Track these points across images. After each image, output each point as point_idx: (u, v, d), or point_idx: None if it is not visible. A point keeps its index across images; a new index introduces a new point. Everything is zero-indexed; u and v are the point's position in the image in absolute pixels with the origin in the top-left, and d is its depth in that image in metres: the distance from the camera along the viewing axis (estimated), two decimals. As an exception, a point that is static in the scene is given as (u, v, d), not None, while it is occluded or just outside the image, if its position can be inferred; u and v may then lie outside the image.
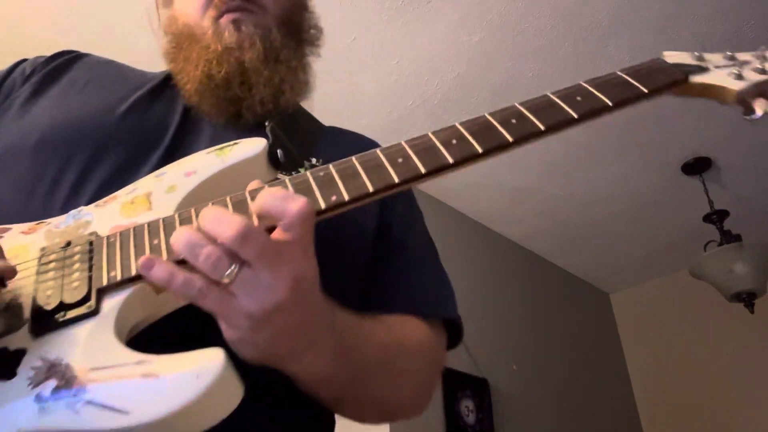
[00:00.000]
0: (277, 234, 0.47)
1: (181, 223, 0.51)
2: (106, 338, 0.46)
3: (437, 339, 0.71)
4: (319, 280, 0.50)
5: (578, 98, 0.56)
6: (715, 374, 3.34)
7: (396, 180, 0.52)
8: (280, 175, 0.61)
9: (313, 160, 0.67)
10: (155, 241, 0.50)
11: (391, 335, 0.64)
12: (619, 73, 0.58)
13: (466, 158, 0.53)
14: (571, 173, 2.84)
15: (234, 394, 0.44)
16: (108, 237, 0.52)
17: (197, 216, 0.50)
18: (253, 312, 0.46)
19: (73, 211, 0.57)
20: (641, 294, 3.79)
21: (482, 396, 2.56)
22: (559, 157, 2.71)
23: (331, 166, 0.54)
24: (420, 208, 0.84)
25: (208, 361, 0.43)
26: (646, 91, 0.56)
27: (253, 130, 0.68)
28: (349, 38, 2.09)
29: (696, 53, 0.60)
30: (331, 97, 2.24)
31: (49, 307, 0.48)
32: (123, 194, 0.59)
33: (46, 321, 0.47)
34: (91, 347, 0.46)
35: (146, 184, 0.59)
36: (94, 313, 0.47)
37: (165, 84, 0.76)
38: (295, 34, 0.78)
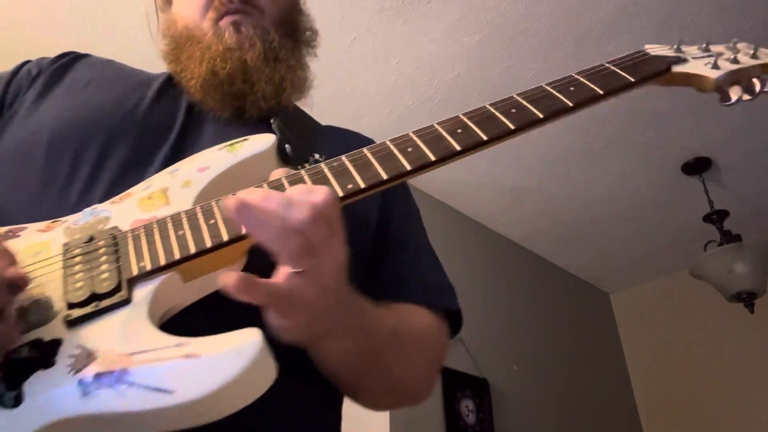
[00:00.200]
0: None
1: (203, 216, 0.53)
2: (142, 325, 0.48)
3: (441, 328, 0.74)
4: None
5: (572, 88, 0.59)
6: (715, 374, 3.34)
7: (408, 167, 0.54)
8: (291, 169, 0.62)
9: (316, 156, 0.68)
10: (180, 233, 0.52)
11: (400, 320, 0.67)
12: (607, 64, 0.62)
13: (472, 145, 0.55)
14: (571, 173, 2.84)
15: (270, 372, 0.45)
16: (132, 230, 0.54)
17: (219, 208, 0.53)
18: (310, 296, 0.50)
19: (88, 209, 0.59)
20: (641, 294, 3.79)
21: (482, 396, 2.56)
22: (559, 157, 2.71)
23: (343, 157, 0.56)
24: (417, 206, 0.87)
25: (247, 340, 0.44)
26: (633, 80, 0.60)
27: (257, 126, 0.71)
28: (349, 38, 2.09)
29: (675, 45, 0.64)
30: (331, 97, 2.25)
31: (81, 299, 0.49)
32: (138, 190, 0.60)
33: (80, 311, 0.48)
34: (128, 334, 0.47)
35: (161, 180, 0.61)
36: (126, 302, 0.49)
37: (168, 83, 0.78)
38: (292, 35, 0.80)
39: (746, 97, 0.60)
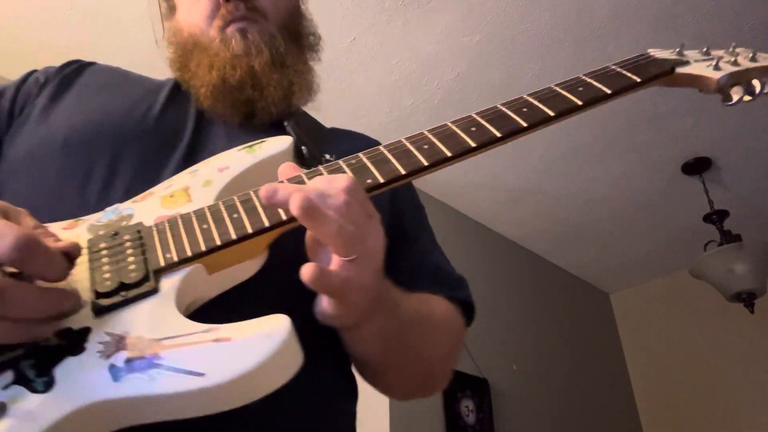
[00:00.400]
0: None
1: (226, 210, 0.54)
2: (170, 313, 0.48)
3: (458, 316, 0.76)
4: None
5: (580, 88, 0.61)
6: (715, 374, 3.34)
7: (425, 163, 0.56)
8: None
9: (327, 156, 0.70)
10: (204, 226, 0.54)
11: (422, 304, 0.69)
12: (612, 66, 0.64)
13: (486, 142, 0.57)
14: (572, 173, 2.84)
15: (297, 357, 0.46)
16: (156, 225, 0.55)
17: (240, 203, 0.55)
18: (367, 281, 0.52)
19: (110, 208, 0.60)
20: (641, 294, 3.79)
21: (482, 396, 2.56)
22: (559, 157, 2.71)
23: (360, 154, 0.58)
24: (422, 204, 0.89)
25: (276, 324, 0.45)
26: (639, 80, 0.62)
27: (267, 130, 0.72)
28: (349, 38, 2.09)
29: (677, 49, 0.67)
30: (331, 97, 2.25)
31: (109, 289, 0.49)
32: (160, 189, 0.62)
33: (108, 300, 0.49)
34: (157, 321, 0.48)
35: (182, 179, 0.63)
36: (154, 291, 0.50)
37: (176, 90, 0.80)
38: (296, 40, 0.82)
39: (747, 98, 0.62)
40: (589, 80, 0.62)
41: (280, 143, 0.65)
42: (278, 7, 0.80)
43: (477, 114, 0.60)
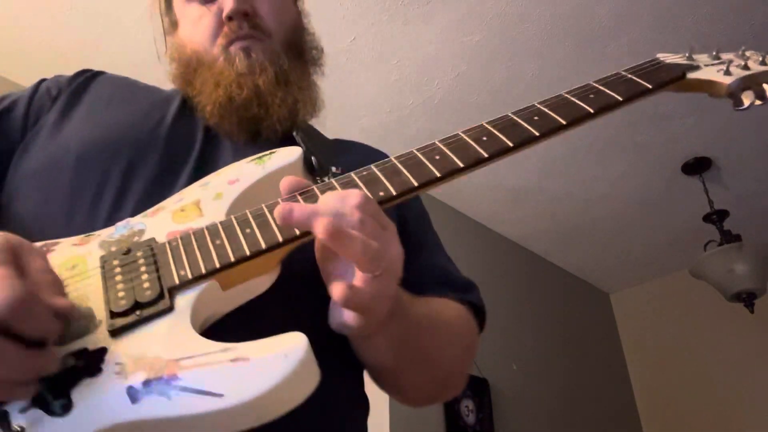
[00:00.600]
0: None
1: (239, 225, 0.54)
2: (186, 331, 0.48)
3: (471, 319, 0.76)
4: None
5: (591, 96, 0.61)
6: (715, 374, 3.34)
7: (438, 174, 0.56)
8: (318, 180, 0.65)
9: (333, 169, 0.70)
10: (217, 242, 0.53)
11: (432, 307, 0.69)
12: (623, 72, 0.64)
13: (499, 152, 0.57)
14: (571, 173, 2.84)
15: (315, 375, 0.46)
16: (169, 241, 0.55)
17: (253, 217, 0.55)
18: (392, 293, 0.53)
19: (121, 223, 0.60)
20: (641, 294, 3.79)
21: (482, 396, 2.57)
22: (559, 157, 2.71)
23: (372, 166, 0.58)
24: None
25: (293, 343, 0.45)
26: (650, 87, 0.62)
27: (276, 143, 0.72)
28: (349, 38, 2.09)
29: (686, 54, 0.67)
30: (331, 97, 2.24)
31: (124, 308, 0.49)
32: (170, 203, 0.61)
33: (123, 320, 0.49)
34: (173, 341, 0.47)
35: (193, 193, 0.62)
36: (169, 309, 0.49)
37: (184, 104, 0.80)
38: (299, 56, 0.82)
39: (758, 102, 0.62)
40: (600, 87, 0.62)
41: (290, 154, 0.65)
42: (281, 25, 0.80)
43: (488, 123, 0.60)
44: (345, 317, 0.55)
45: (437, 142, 0.59)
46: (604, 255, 3.51)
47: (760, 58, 0.64)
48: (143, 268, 0.52)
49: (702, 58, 0.66)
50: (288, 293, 0.57)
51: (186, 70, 0.79)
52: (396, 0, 1.98)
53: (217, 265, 0.52)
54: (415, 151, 0.58)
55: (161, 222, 0.59)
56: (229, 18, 0.75)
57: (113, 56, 2.02)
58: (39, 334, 0.43)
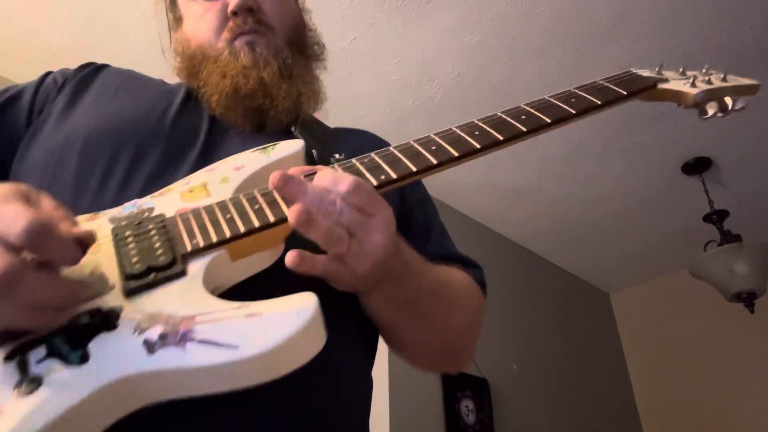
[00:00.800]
0: None
1: (248, 202, 0.58)
2: (200, 292, 0.50)
3: (478, 290, 0.79)
4: None
5: (572, 99, 0.68)
6: (715, 374, 3.34)
7: (434, 161, 0.60)
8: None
9: (336, 156, 0.72)
10: (228, 216, 0.56)
11: (440, 273, 0.71)
12: (599, 81, 0.72)
13: (490, 145, 0.62)
14: (571, 173, 2.84)
15: (322, 334, 0.47)
16: (180, 214, 0.58)
17: (261, 195, 0.58)
18: (361, 270, 0.55)
19: (129, 203, 0.62)
20: (641, 294, 3.80)
21: (482, 396, 2.57)
22: (558, 157, 2.71)
23: (373, 154, 0.62)
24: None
25: (305, 301, 0.47)
26: (625, 93, 0.69)
27: (277, 136, 0.74)
28: (349, 38, 2.09)
29: (656, 69, 0.75)
30: (331, 96, 2.24)
31: (138, 271, 0.51)
32: (179, 186, 0.64)
33: (137, 282, 0.50)
34: (188, 300, 0.49)
35: (199, 176, 0.66)
36: (182, 273, 0.51)
37: (189, 96, 0.81)
38: (302, 51, 0.84)
39: (720, 114, 0.70)
40: (580, 93, 0.69)
41: (292, 145, 0.69)
42: (284, 20, 0.82)
43: (479, 120, 0.65)
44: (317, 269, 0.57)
45: (432, 135, 0.64)
46: (604, 255, 3.52)
47: (722, 75, 0.72)
48: (155, 237, 0.55)
49: (670, 74, 0.74)
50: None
51: (191, 64, 0.80)
52: (396, 0, 1.98)
53: (228, 236, 0.54)
54: (412, 142, 0.63)
55: (170, 201, 0.61)
56: (234, 13, 0.78)
57: (113, 56, 2.02)
58: (62, 259, 0.45)
